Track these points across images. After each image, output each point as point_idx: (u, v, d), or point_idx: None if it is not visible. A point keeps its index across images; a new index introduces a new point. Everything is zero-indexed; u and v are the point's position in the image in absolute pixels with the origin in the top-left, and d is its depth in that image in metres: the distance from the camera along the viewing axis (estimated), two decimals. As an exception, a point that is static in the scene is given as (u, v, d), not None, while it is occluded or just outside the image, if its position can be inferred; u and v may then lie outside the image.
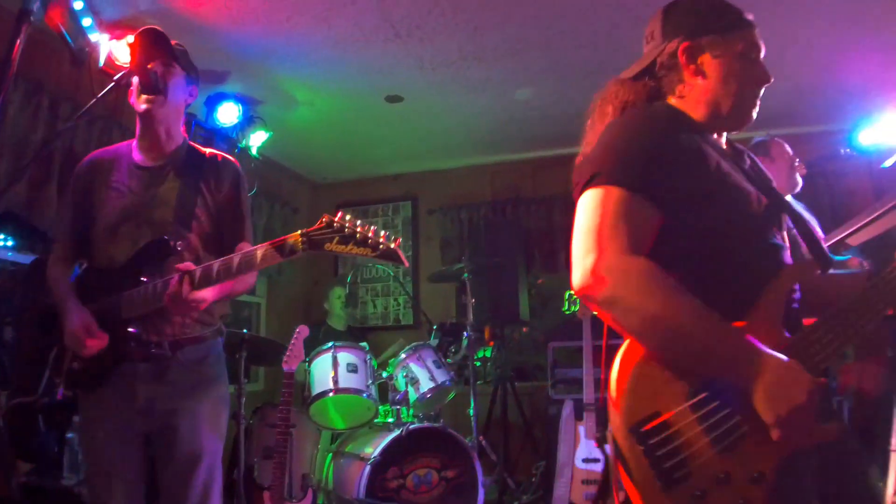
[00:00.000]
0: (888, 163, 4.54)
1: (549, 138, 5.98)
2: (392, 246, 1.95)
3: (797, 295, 1.54)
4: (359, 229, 1.95)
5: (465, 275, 4.94)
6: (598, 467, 4.45)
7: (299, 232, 2.01)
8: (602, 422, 3.91)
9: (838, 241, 2.84)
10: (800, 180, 3.63)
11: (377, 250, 1.94)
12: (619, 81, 1.73)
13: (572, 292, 6.77)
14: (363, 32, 4.05)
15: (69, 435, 3.56)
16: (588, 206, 1.46)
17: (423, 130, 5.81)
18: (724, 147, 1.68)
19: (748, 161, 1.69)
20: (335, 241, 1.96)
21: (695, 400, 1.35)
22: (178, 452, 2.27)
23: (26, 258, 4.07)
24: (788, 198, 3.61)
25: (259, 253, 2.05)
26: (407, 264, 2.08)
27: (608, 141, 1.55)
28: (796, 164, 3.64)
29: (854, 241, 3.27)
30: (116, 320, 2.21)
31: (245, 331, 4.19)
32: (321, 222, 1.98)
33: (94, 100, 2.24)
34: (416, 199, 6.91)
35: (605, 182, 1.44)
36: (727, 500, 1.30)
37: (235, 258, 2.10)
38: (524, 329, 7.87)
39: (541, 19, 3.97)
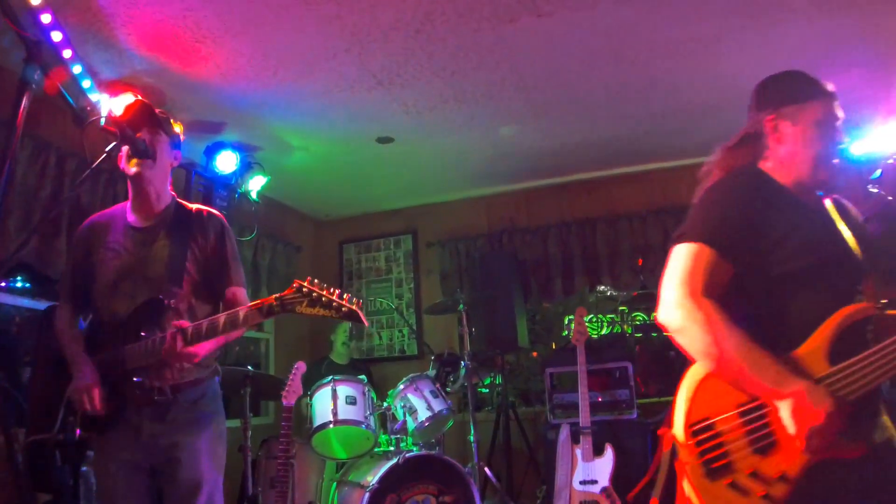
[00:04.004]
0: (877, 173, 4.63)
1: (539, 170, 6.18)
2: (353, 307, 2.23)
3: (859, 330, 1.74)
4: (324, 294, 2.23)
5: (461, 306, 5.11)
6: (596, 489, 4.57)
7: (274, 297, 2.30)
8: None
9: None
10: None
11: (340, 312, 2.23)
12: (724, 149, 2.04)
13: (570, 317, 6.96)
14: (346, 82, 4.28)
15: (83, 468, 3.77)
16: (676, 256, 1.85)
17: (417, 168, 6.01)
18: (815, 204, 1.93)
19: (845, 214, 1.96)
20: (304, 304, 2.24)
21: (743, 408, 1.70)
22: (180, 482, 2.50)
23: (40, 304, 4.31)
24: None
25: (241, 314, 2.35)
26: (367, 324, 2.36)
27: (698, 205, 1.92)
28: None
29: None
30: (122, 370, 2.46)
31: (249, 367, 4.40)
32: (292, 288, 2.26)
33: (89, 171, 2.45)
34: (415, 232, 7.09)
35: (690, 239, 1.83)
36: (755, 490, 1.63)
37: (221, 318, 2.37)
38: (534, 354, 8.01)
39: (514, 62, 4.16)
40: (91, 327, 2.63)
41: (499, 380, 5.85)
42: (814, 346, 1.71)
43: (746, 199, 1.85)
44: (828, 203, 1.97)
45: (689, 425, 1.72)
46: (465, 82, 4.39)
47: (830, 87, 1.92)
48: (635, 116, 5.08)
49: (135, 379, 2.45)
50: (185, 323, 2.39)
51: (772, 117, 1.92)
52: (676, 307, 1.77)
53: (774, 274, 1.78)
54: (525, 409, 6.40)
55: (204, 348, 2.45)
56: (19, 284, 4.39)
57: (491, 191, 6.74)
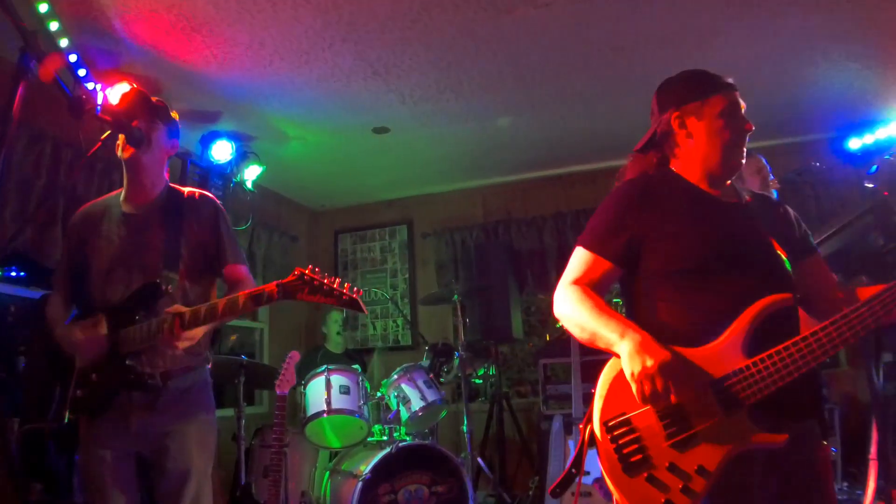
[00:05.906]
0: (872, 168, 4.66)
1: (535, 161, 6.18)
2: (353, 296, 2.26)
3: (781, 320, 1.76)
4: (325, 281, 2.25)
5: (455, 297, 5.12)
6: (588, 480, 4.59)
7: (275, 283, 2.31)
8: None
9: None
10: (774, 194, 3.79)
11: (341, 300, 2.26)
12: (633, 154, 2.13)
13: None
14: (343, 72, 4.28)
15: (77, 457, 3.78)
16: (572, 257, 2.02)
17: (413, 158, 6.01)
18: (731, 200, 1.99)
19: (763, 208, 2.02)
20: (305, 291, 2.26)
21: None
22: (169, 470, 2.49)
23: (35, 293, 4.30)
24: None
25: (241, 300, 2.34)
26: (366, 312, 2.39)
27: (594, 212, 2.04)
28: (770, 179, 3.80)
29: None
30: (115, 355, 2.45)
31: (243, 357, 4.40)
32: (293, 275, 2.27)
33: (84, 160, 2.46)
34: (411, 222, 7.11)
35: (578, 243, 2.01)
36: (673, 484, 1.66)
37: (220, 303, 2.37)
38: (529, 345, 8.03)
39: (510, 54, 4.17)
40: (84, 314, 2.61)
41: (493, 370, 5.87)
42: (730, 339, 1.74)
43: (627, 205, 1.96)
44: (749, 199, 2.03)
45: (604, 421, 1.78)
46: (461, 73, 4.39)
47: (730, 79, 1.98)
48: (631, 107, 5.03)
49: (128, 363, 2.44)
50: (183, 308, 2.38)
51: (677, 114, 1.97)
52: (556, 300, 1.98)
53: (673, 270, 1.86)
54: (519, 400, 6.43)
55: (201, 331, 2.46)
56: (14, 274, 4.39)
57: (487, 181, 6.74)
